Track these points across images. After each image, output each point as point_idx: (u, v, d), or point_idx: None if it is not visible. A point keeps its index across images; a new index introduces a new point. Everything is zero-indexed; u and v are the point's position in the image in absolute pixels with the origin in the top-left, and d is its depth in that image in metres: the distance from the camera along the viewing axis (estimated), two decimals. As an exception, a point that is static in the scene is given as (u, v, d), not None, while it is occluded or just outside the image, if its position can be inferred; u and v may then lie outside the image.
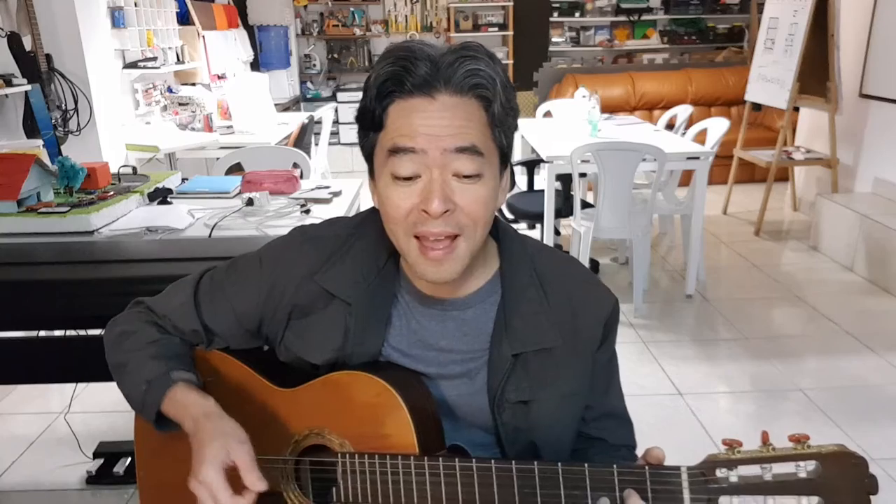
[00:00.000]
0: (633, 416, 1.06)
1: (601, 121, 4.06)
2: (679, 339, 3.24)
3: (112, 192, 2.19)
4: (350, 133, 6.80)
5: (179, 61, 4.56)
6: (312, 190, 2.43)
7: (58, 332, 1.94)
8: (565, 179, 3.88)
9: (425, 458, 0.86)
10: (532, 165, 4.23)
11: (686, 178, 4.17)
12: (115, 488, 2.23)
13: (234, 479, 0.84)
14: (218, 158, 3.31)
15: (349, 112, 6.71)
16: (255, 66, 6.27)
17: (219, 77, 5.17)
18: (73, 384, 2.66)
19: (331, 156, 5.27)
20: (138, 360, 0.97)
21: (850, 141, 4.50)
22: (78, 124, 3.44)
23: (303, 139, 4.41)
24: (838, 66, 4.30)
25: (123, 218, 2.10)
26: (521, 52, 6.87)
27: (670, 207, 3.98)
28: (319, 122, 4.75)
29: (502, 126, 0.85)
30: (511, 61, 6.85)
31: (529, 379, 0.92)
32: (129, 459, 2.27)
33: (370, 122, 0.84)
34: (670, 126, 4.47)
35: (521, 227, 4.29)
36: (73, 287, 1.63)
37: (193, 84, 4.85)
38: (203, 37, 4.94)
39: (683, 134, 4.21)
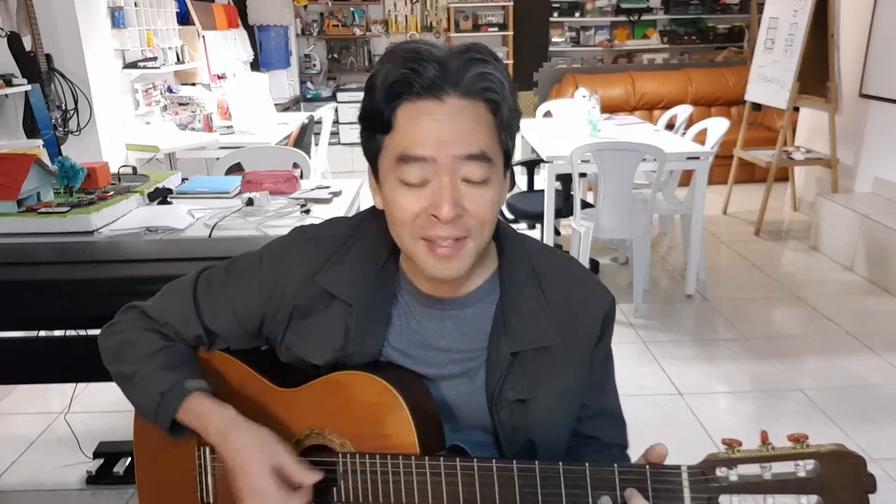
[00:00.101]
0: (633, 416, 1.06)
1: (601, 121, 4.06)
2: (679, 339, 3.24)
3: (112, 192, 2.19)
4: (350, 133, 6.80)
5: (179, 61, 4.56)
6: (312, 190, 2.43)
7: (58, 332, 1.94)
8: (565, 179, 3.88)
9: (426, 457, 0.86)
10: (532, 165, 4.23)
11: (686, 178, 4.17)
12: (115, 488, 2.23)
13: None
14: (218, 158, 3.31)
15: (349, 112, 6.71)
16: (255, 66, 6.27)
17: (219, 77, 5.17)
18: (73, 384, 2.66)
19: (331, 156, 5.27)
20: (148, 371, 0.97)
21: (850, 141, 4.51)
22: (78, 124, 3.44)
23: (303, 139, 4.41)
24: (838, 66, 4.30)
25: (123, 218, 2.10)
26: (521, 52, 6.87)
27: (670, 207, 3.99)
28: (319, 122, 4.75)
29: (508, 129, 0.85)
30: (511, 61, 6.85)
31: (527, 377, 0.93)
32: (129, 459, 2.27)
33: (377, 124, 0.83)
34: (670, 126, 4.47)
35: (521, 227, 4.29)
36: (73, 287, 1.63)
37: (193, 84, 4.85)
38: (203, 37, 4.94)
39: (683, 134, 4.21)
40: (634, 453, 0.88)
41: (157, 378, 0.96)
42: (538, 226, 3.87)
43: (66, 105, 3.37)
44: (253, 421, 0.92)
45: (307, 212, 2.18)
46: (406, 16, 6.97)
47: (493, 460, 0.85)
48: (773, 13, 4.75)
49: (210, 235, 1.99)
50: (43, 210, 2.00)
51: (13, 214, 1.97)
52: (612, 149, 3.27)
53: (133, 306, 1.05)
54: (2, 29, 3.02)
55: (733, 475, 0.77)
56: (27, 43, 3.11)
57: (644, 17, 7.04)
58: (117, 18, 3.87)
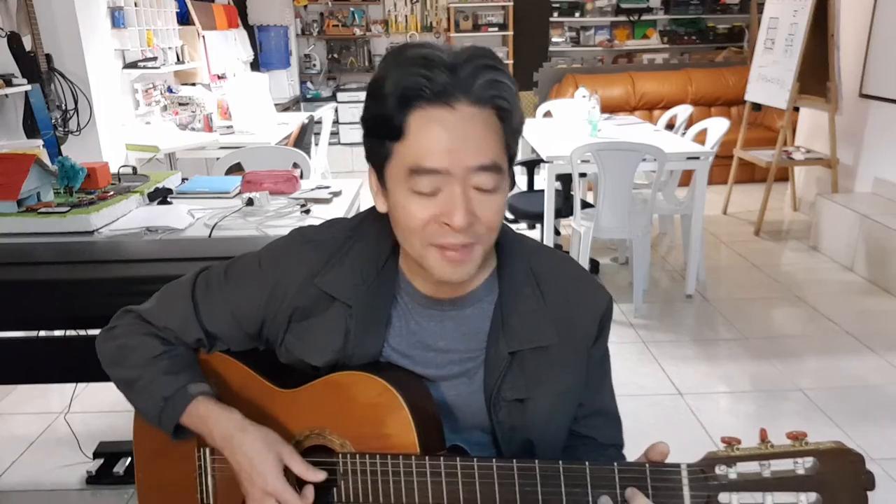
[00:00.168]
0: (633, 416, 1.06)
1: (601, 121, 4.06)
2: (679, 339, 3.24)
3: (112, 192, 2.19)
4: (350, 133, 6.80)
5: (179, 61, 4.56)
6: (312, 190, 2.43)
7: (58, 332, 1.94)
8: (565, 179, 3.88)
9: (426, 457, 0.86)
10: (532, 165, 4.24)
11: (686, 178, 4.17)
12: (115, 488, 2.23)
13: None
14: (218, 158, 3.31)
15: (349, 112, 6.71)
16: (255, 66, 6.27)
17: (219, 77, 5.17)
18: (73, 384, 2.66)
19: (331, 156, 5.27)
20: (150, 376, 0.97)
21: (850, 141, 4.51)
22: (78, 124, 3.44)
23: (303, 139, 4.41)
24: (838, 66, 4.30)
25: (123, 218, 2.10)
26: (521, 52, 6.87)
27: (670, 207, 3.99)
28: (319, 122, 4.75)
29: (515, 136, 0.85)
30: (511, 61, 6.85)
31: (525, 377, 0.93)
32: (129, 459, 2.27)
33: (387, 131, 0.81)
34: (670, 126, 4.47)
35: (522, 227, 4.30)
36: (73, 287, 1.63)
37: (193, 84, 4.85)
38: (203, 37, 4.94)
39: (683, 134, 4.21)
40: (635, 453, 0.88)
41: (160, 383, 0.96)
42: (538, 226, 3.87)
43: (66, 105, 3.37)
44: (258, 424, 0.92)
45: (307, 212, 2.18)
46: (406, 16, 6.97)
47: (493, 459, 0.85)
48: (773, 13, 4.75)
49: (210, 235, 1.99)
50: (43, 210, 2.00)
51: (13, 214, 1.97)
52: (612, 149, 3.27)
53: (129, 310, 1.04)
54: (2, 29, 3.02)
55: (733, 473, 0.77)
56: (27, 43, 3.11)
57: (644, 17, 7.04)
58: (117, 18, 3.87)
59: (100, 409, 2.64)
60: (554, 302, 0.95)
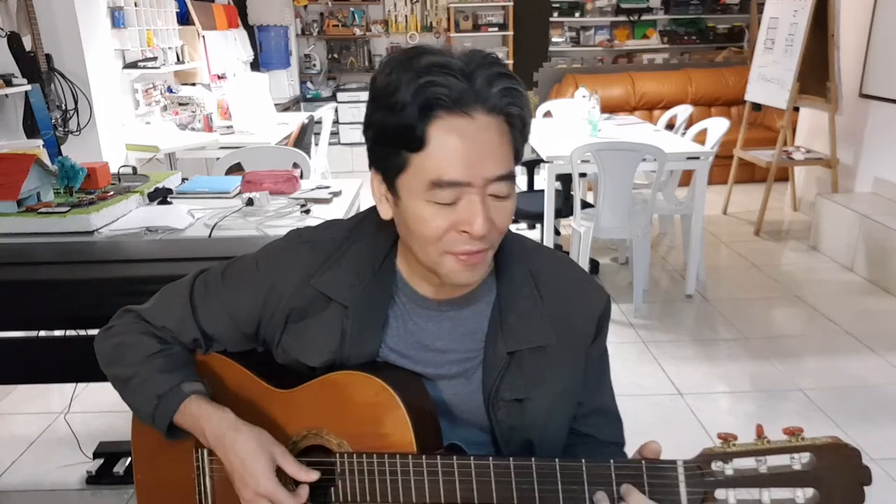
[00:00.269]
0: (633, 416, 1.06)
1: (601, 121, 4.06)
2: (679, 339, 3.24)
3: (112, 192, 2.19)
4: (350, 133, 6.80)
5: (179, 61, 4.56)
6: (312, 190, 2.43)
7: (58, 332, 1.94)
8: (565, 179, 3.89)
9: (423, 456, 0.86)
10: (532, 165, 4.24)
11: (686, 178, 4.17)
12: (115, 488, 2.23)
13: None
14: (218, 158, 3.31)
15: (349, 112, 6.71)
16: (255, 66, 6.27)
17: (219, 77, 5.17)
18: (73, 384, 2.66)
19: (331, 156, 5.27)
20: (145, 374, 0.97)
21: (850, 141, 4.51)
22: (78, 124, 3.44)
23: (303, 139, 4.41)
24: (838, 66, 4.30)
25: (123, 218, 2.10)
26: (521, 52, 6.87)
27: (670, 207, 3.99)
28: (319, 122, 4.75)
29: (524, 142, 0.86)
30: (511, 61, 6.84)
31: (524, 377, 0.93)
32: (129, 459, 2.27)
33: (406, 142, 0.79)
34: (670, 126, 4.47)
35: (522, 227, 4.30)
36: (73, 287, 1.63)
37: (193, 84, 4.85)
38: (203, 37, 4.94)
39: (683, 134, 4.21)
40: (632, 452, 0.88)
41: (154, 381, 0.96)
42: (538, 226, 3.87)
43: (66, 105, 3.37)
44: (250, 423, 0.92)
45: (307, 212, 2.18)
46: (406, 16, 6.97)
47: (490, 458, 0.85)
48: (773, 13, 4.75)
49: (210, 235, 1.99)
50: (43, 210, 2.00)
51: (13, 214, 1.97)
52: (612, 149, 3.27)
53: (129, 310, 1.05)
54: (2, 29, 3.02)
55: (729, 469, 0.77)
56: (27, 43, 3.11)
57: (644, 17, 7.04)
58: (117, 18, 3.87)
59: (100, 409, 2.64)
60: (552, 302, 0.95)
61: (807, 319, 3.43)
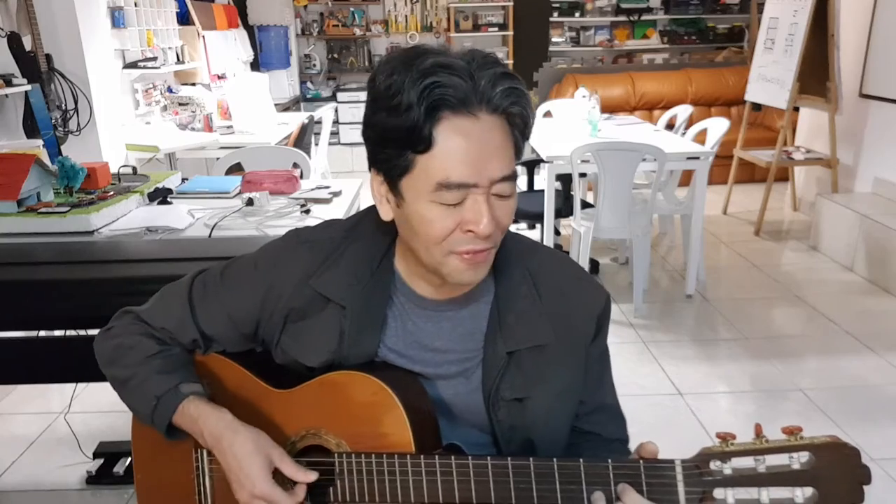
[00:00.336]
0: (633, 416, 1.06)
1: (601, 121, 4.06)
2: (679, 339, 3.24)
3: (112, 192, 2.19)
4: (350, 133, 6.80)
5: (179, 61, 4.56)
6: (312, 190, 2.43)
7: (58, 332, 1.94)
8: (565, 179, 3.88)
9: (421, 456, 0.86)
10: (532, 165, 4.24)
11: (686, 178, 4.17)
12: (115, 488, 2.23)
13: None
14: (218, 158, 3.31)
15: (349, 112, 6.71)
16: (255, 66, 6.27)
17: (219, 77, 5.17)
18: (73, 384, 2.66)
19: (331, 156, 5.27)
20: (143, 375, 0.97)
21: (850, 141, 4.50)
22: (78, 124, 3.44)
23: (303, 139, 4.41)
24: (838, 66, 4.30)
25: (123, 218, 2.10)
26: (521, 52, 6.87)
27: (670, 207, 3.99)
28: (319, 122, 4.75)
29: (525, 141, 0.86)
30: (511, 61, 6.84)
31: (524, 376, 0.93)
32: (129, 459, 2.27)
33: (412, 143, 0.79)
34: (670, 126, 4.47)
35: (522, 227, 4.30)
36: (73, 287, 1.63)
37: (193, 84, 4.85)
38: (203, 37, 4.94)
39: (683, 134, 4.21)
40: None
41: (153, 382, 0.96)
42: (538, 226, 3.87)
43: (66, 105, 3.37)
44: (248, 424, 0.92)
45: (307, 212, 2.18)
46: (406, 16, 6.97)
47: (488, 457, 0.85)
48: (773, 13, 4.75)
49: (210, 235, 1.99)
50: (43, 210, 2.00)
51: (13, 214, 1.97)
52: (612, 149, 3.27)
53: (128, 311, 1.05)
54: (2, 29, 3.02)
55: (727, 468, 0.77)
56: (27, 43, 3.11)
57: (644, 17, 7.04)
58: (117, 18, 3.87)
59: (100, 409, 2.64)
60: (550, 301, 0.95)
61: (807, 319, 3.43)
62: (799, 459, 0.75)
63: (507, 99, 0.80)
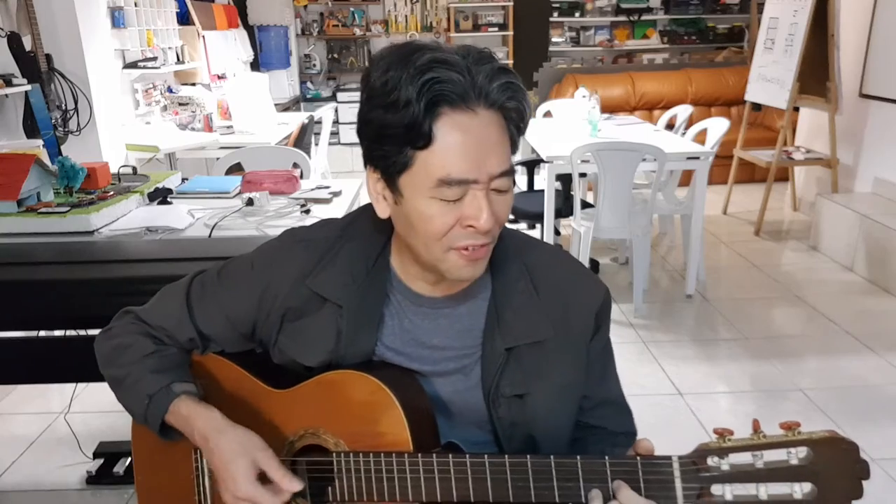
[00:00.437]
0: (634, 415, 1.06)
1: (601, 121, 4.06)
2: (679, 339, 3.24)
3: (112, 192, 2.19)
4: (350, 133, 6.79)
5: (179, 61, 4.56)
6: (312, 190, 2.43)
7: (58, 332, 1.94)
8: (565, 179, 3.88)
9: (419, 454, 0.86)
10: (532, 165, 4.24)
11: (686, 178, 4.17)
12: (115, 488, 2.23)
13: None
14: (218, 158, 3.31)
15: (349, 112, 6.71)
16: (255, 66, 6.27)
17: (219, 77, 5.17)
18: (73, 384, 2.66)
19: (331, 156, 5.27)
20: (137, 374, 0.97)
21: (850, 141, 4.50)
22: (78, 124, 3.44)
23: (303, 139, 4.41)
24: (838, 66, 4.30)
25: (123, 218, 2.10)
26: (521, 52, 6.87)
27: (670, 207, 3.98)
28: (319, 122, 4.75)
29: (520, 136, 0.86)
30: (511, 61, 6.84)
31: (523, 372, 0.93)
32: (129, 459, 2.27)
33: (412, 140, 0.79)
34: (670, 126, 4.47)
35: (522, 228, 4.30)
36: (73, 287, 1.63)
37: (193, 84, 4.85)
38: (203, 37, 4.94)
39: (683, 134, 4.21)
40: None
41: (146, 381, 0.96)
42: (538, 226, 3.87)
43: (66, 105, 3.37)
44: (239, 424, 0.92)
45: (307, 212, 2.18)
46: (406, 16, 6.97)
47: (486, 455, 0.85)
48: (773, 13, 4.75)
49: (210, 235, 1.99)
50: (43, 210, 2.00)
51: (13, 214, 1.97)
52: (612, 149, 3.27)
53: (128, 311, 1.05)
54: (2, 29, 3.02)
55: (725, 464, 0.77)
56: (27, 43, 3.11)
57: (644, 17, 7.04)
58: (117, 18, 3.87)
59: (100, 409, 2.65)
60: (548, 296, 0.95)
61: (807, 319, 3.43)
62: (797, 455, 0.75)
63: (504, 94, 0.80)
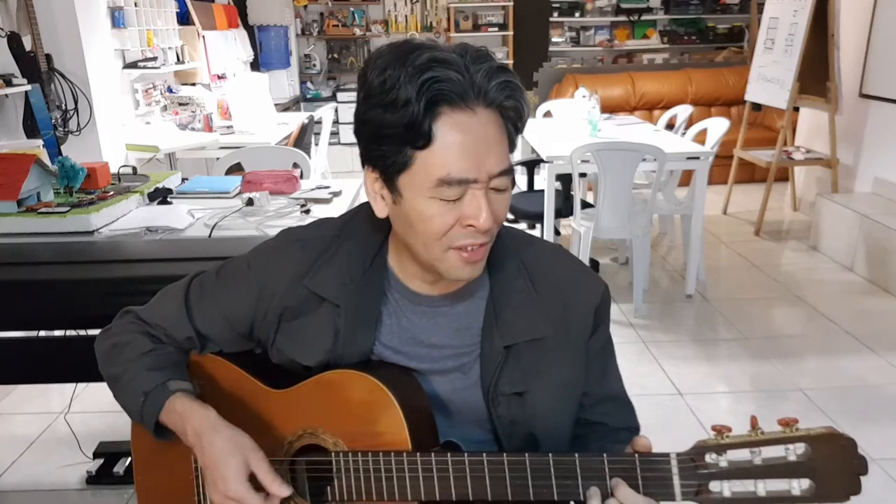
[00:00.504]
0: (635, 411, 1.06)
1: (601, 121, 4.06)
2: (679, 339, 3.24)
3: (112, 192, 2.20)
4: (350, 133, 6.78)
5: (179, 61, 4.56)
6: (312, 190, 2.43)
7: (58, 332, 1.94)
8: (565, 179, 3.88)
9: (418, 454, 0.86)
10: (532, 165, 4.24)
11: (686, 178, 4.17)
12: (115, 488, 2.23)
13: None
14: (218, 158, 3.31)
15: (349, 112, 6.70)
16: (255, 66, 6.27)
17: (219, 77, 5.17)
18: (73, 384, 2.66)
19: (331, 156, 5.27)
20: (134, 372, 0.97)
21: (850, 141, 4.50)
22: (78, 124, 3.44)
23: (303, 139, 4.41)
24: (838, 66, 4.29)
25: (123, 218, 2.10)
26: (521, 52, 6.87)
27: (670, 207, 3.98)
28: (319, 122, 4.75)
29: (518, 134, 0.86)
30: (511, 61, 6.84)
31: (522, 370, 0.93)
32: (129, 459, 2.27)
33: (412, 140, 0.79)
34: (670, 126, 4.47)
35: (521, 228, 4.29)
36: (73, 287, 1.63)
37: (193, 84, 4.85)
38: (203, 37, 4.94)
39: (683, 134, 4.21)
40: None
41: (142, 379, 0.96)
42: (538, 226, 3.87)
43: (66, 105, 3.37)
44: (236, 426, 0.92)
45: (307, 212, 2.18)
46: (406, 16, 6.97)
47: (484, 454, 0.85)
48: (773, 13, 4.75)
49: (210, 235, 1.99)
50: (43, 210, 2.00)
51: (13, 214, 1.97)
52: (612, 149, 3.27)
53: (128, 311, 1.06)
54: (2, 29, 3.02)
55: (723, 461, 0.77)
56: (27, 43, 3.11)
57: (644, 17, 7.04)
58: (117, 18, 3.87)
59: (100, 409, 2.65)
60: (547, 294, 0.95)
61: (807, 319, 3.43)
62: (795, 451, 0.75)
63: (502, 93, 0.80)
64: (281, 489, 0.87)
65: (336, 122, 6.36)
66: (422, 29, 6.97)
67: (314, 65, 7.03)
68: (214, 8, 5.36)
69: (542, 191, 3.64)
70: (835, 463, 0.74)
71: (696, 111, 5.02)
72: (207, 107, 4.43)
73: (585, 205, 3.64)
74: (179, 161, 4.28)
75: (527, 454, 0.84)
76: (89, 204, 2.06)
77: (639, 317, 3.46)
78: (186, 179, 2.57)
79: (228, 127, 4.31)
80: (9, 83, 2.91)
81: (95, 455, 2.32)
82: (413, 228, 0.85)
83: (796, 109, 4.83)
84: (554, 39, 7.06)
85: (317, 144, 4.78)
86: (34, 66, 3.11)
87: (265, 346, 1.01)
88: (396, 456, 0.87)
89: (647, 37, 7.14)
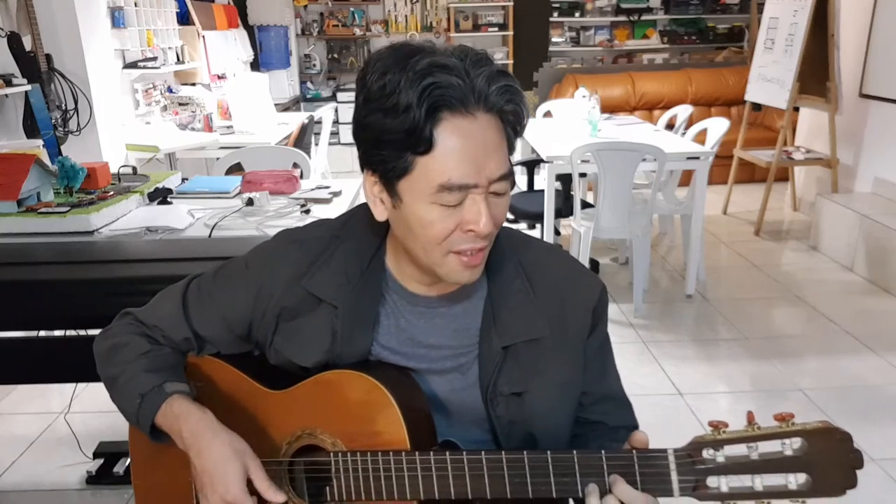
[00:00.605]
0: (634, 410, 1.06)
1: (601, 121, 4.06)
2: (679, 339, 3.24)
3: (112, 192, 2.20)
4: (350, 133, 6.79)
5: (179, 61, 4.56)
6: (312, 190, 2.43)
7: (58, 332, 1.94)
8: (565, 179, 3.89)
9: (416, 453, 0.86)
10: (532, 165, 4.24)
11: (686, 178, 4.17)
12: (115, 488, 2.23)
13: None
14: (218, 158, 3.31)
15: (349, 112, 6.70)
16: (255, 66, 6.27)
17: (219, 77, 5.17)
18: (73, 384, 2.66)
19: (331, 156, 5.27)
20: (131, 373, 0.97)
21: (850, 141, 4.50)
22: (78, 124, 3.44)
23: (303, 139, 4.41)
24: (838, 66, 4.30)
25: (123, 218, 2.10)
26: (521, 52, 6.87)
27: (670, 207, 3.99)
28: (319, 122, 4.75)
29: (517, 138, 0.86)
30: (511, 61, 6.85)
31: (521, 370, 0.93)
32: (129, 459, 2.27)
33: (413, 145, 0.78)
34: (670, 126, 4.47)
35: (521, 228, 4.30)
36: (73, 287, 1.63)
37: (193, 84, 4.85)
38: (203, 37, 4.94)
39: (683, 134, 4.21)
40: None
41: (139, 380, 0.96)
42: (538, 226, 3.87)
43: (66, 105, 3.37)
44: (241, 427, 0.92)
45: (307, 212, 2.18)
46: (406, 16, 6.97)
47: (483, 452, 0.85)
48: (773, 13, 4.75)
49: (210, 235, 1.99)
50: (43, 210, 2.00)
51: (13, 214, 1.97)
52: (612, 149, 3.27)
53: (127, 312, 1.06)
54: (2, 29, 3.02)
55: (720, 456, 0.77)
56: (27, 43, 3.11)
57: (644, 17, 7.04)
58: (117, 18, 3.87)
59: (100, 409, 2.65)
60: (544, 294, 0.95)
61: (807, 319, 3.43)
62: (791, 446, 0.75)
63: (502, 97, 0.80)
64: (277, 496, 0.88)
65: (336, 122, 6.36)
66: (422, 29, 6.97)
67: (314, 65, 7.03)
68: (214, 8, 5.36)
69: (542, 191, 3.64)
70: (831, 457, 0.74)
71: (696, 111, 5.02)
72: (207, 107, 4.43)
73: (585, 205, 3.64)
74: (179, 161, 4.28)
75: (525, 452, 0.84)
76: (89, 204, 2.06)
77: (639, 317, 3.46)
78: (186, 179, 2.57)
79: (228, 127, 4.31)
80: (9, 83, 2.91)
81: (95, 455, 2.32)
82: (413, 233, 0.85)
83: (796, 109, 4.83)
84: (554, 39, 7.06)
85: (317, 144, 4.78)
86: (34, 66, 3.11)
87: (263, 348, 1.00)
88: (395, 455, 0.87)
89: (647, 37, 7.14)
